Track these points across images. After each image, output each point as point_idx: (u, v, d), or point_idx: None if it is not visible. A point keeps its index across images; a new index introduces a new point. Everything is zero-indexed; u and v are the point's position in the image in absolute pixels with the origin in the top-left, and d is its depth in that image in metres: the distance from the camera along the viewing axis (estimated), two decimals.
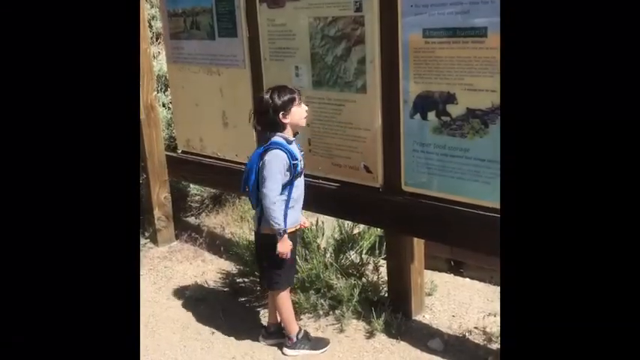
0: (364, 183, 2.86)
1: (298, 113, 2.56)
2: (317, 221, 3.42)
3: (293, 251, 2.68)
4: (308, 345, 2.78)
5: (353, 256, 3.30)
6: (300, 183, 2.65)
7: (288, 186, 2.59)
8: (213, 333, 3.00)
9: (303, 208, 2.74)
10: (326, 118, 2.93)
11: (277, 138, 2.56)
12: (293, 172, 2.57)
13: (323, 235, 3.39)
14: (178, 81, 3.80)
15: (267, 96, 2.53)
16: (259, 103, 2.56)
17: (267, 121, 2.54)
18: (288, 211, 2.61)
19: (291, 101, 2.53)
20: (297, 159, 2.58)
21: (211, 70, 3.51)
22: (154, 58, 5.17)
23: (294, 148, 2.59)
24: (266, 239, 2.64)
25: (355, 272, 3.20)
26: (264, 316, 3.07)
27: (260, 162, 2.56)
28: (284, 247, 2.58)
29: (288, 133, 2.57)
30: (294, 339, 2.76)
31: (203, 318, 3.16)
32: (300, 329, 2.80)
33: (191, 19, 3.53)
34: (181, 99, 3.83)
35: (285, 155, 2.53)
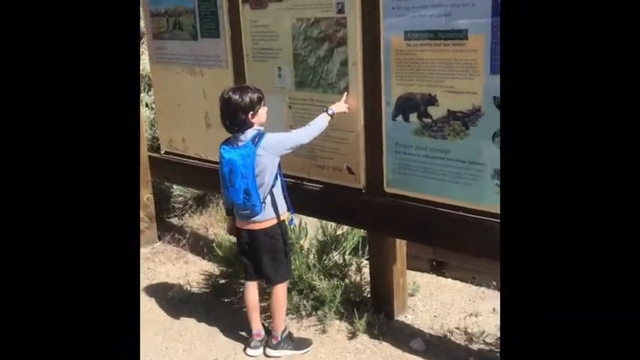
0: (347, 184, 2.86)
1: (263, 113, 2.61)
2: (300, 222, 3.42)
3: (287, 240, 2.72)
4: (291, 345, 2.78)
5: (336, 257, 3.31)
6: None
7: (278, 174, 2.63)
8: (194, 335, 3.00)
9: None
10: (309, 119, 2.92)
11: (255, 131, 2.57)
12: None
13: (306, 236, 3.39)
14: (161, 81, 3.78)
15: (235, 96, 2.53)
16: (227, 104, 2.55)
17: (236, 121, 2.55)
18: (281, 199, 2.66)
19: (259, 101, 2.56)
20: None
21: (194, 70, 3.49)
22: None
23: None
24: (264, 233, 2.65)
25: (338, 273, 3.21)
26: (246, 318, 3.05)
27: (257, 155, 2.53)
28: (342, 106, 2.68)
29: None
30: (279, 337, 2.76)
31: (185, 319, 3.14)
32: (285, 329, 2.81)
33: (174, 19, 3.51)
34: (164, 99, 3.81)
35: None
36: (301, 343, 2.81)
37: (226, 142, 2.62)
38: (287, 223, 2.75)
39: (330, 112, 2.65)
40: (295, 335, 2.86)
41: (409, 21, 2.43)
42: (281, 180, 2.67)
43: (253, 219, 2.63)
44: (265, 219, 2.63)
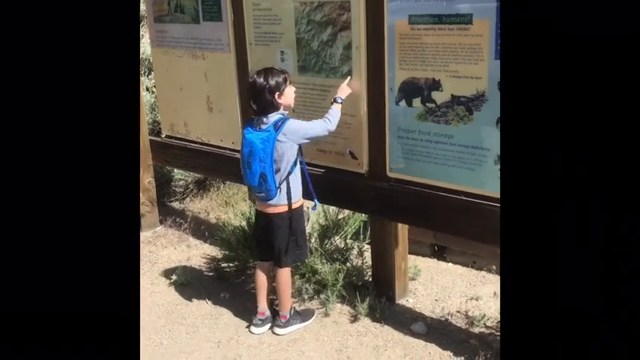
0: (349, 169, 2.87)
1: (290, 93, 2.63)
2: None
3: (301, 227, 2.76)
4: (299, 319, 2.86)
5: (338, 241, 3.32)
6: None
7: (298, 159, 2.67)
8: (198, 317, 3.02)
9: None
10: (311, 104, 2.93)
11: (278, 115, 2.60)
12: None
13: (308, 220, 3.39)
14: (162, 65, 3.76)
15: (260, 79, 2.57)
16: (253, 86, 2.59)
17: (263, 103, 2.58)
18: (299, 185, 2.70)
19: (285, 81, 2.59)
20: None
21: (196, 54, 3.48)
22: None
23: None
24: (279, 217, 2.69)
25: (340, 257, 3.22)
26: (249, 301, 3.08)
27: (277, 141, 2.56)
28: (347, 89, 2.68)
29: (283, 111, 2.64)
30: (288, 316, 2.82)
31: (188, 302, 3.17)
32: (291, 306, 2.87)
33: (175, 2, 3.49)
34: (165, 83, 3.80)
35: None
36: (306, 315, 2.90)
37: (250, 122, 2.66)
38: (304, 209, 2.78)
39: (339, 100, 2.66)
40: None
41: (413, 5, 2.42)
42: (302, 166, 2.71)
43: (268, 202, 2.67)
44: (280, 203, 2.67)
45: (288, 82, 2.61)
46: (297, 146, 2.64)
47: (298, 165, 2.68)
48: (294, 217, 2.71)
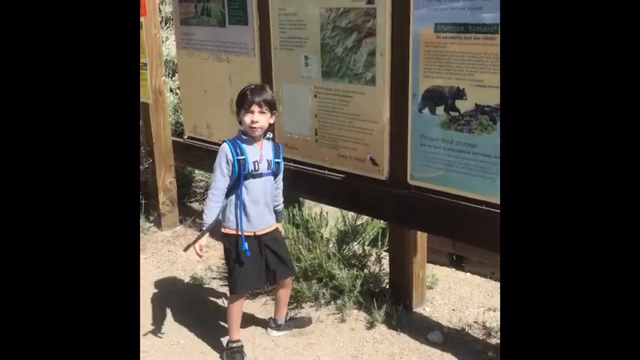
0: (370, 175, 2.87)
1: (244, 119, 2.51)
2: (321, 211, 3.44)
3: (255, 257, 2.59)
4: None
5: (356, 247, 3.32)
6: (254, 186, 2.53)
7: (237, 186, 2.52)
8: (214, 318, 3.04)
9: (306, 198, 2.74)
10: (333, 109, 2.94)
11: (238, 132, 2.59)
12: (237, 169, 2.49)
13: (327, 225, 3.41)
14: (187, 67, 3.81)
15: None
16: None
17: None
18: (242, 215, 2.53)
19: (241, 105, 2.52)
20: (244, 155, 2.49)
21: (221, 57, 3.51)
22: (163, 42, 5.17)
23: (250, 146, 2.52)
24: (225, 239, 2.64)
25: (357, 263, 3.22)
26: (267, 304, 3.10)
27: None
28: (200, 244, 2.60)
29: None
30: (232, 346, 2.70)
31: (206, 303, 3.19)
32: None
33: (202, 5, 3.53)
34: (190, 85, 3.84)
35: (227, 148, 2.51)
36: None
37: None
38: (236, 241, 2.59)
39: (204, 227, 2.59)
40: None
41: (440, 13, 2.42)
42: (238, 200, 2.53)
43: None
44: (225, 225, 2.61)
45: (246, 109, 2.47)
46: (231, 175, 2.52)
47: (235, 195, 2.53)
48: (225, 242, 2.63)
